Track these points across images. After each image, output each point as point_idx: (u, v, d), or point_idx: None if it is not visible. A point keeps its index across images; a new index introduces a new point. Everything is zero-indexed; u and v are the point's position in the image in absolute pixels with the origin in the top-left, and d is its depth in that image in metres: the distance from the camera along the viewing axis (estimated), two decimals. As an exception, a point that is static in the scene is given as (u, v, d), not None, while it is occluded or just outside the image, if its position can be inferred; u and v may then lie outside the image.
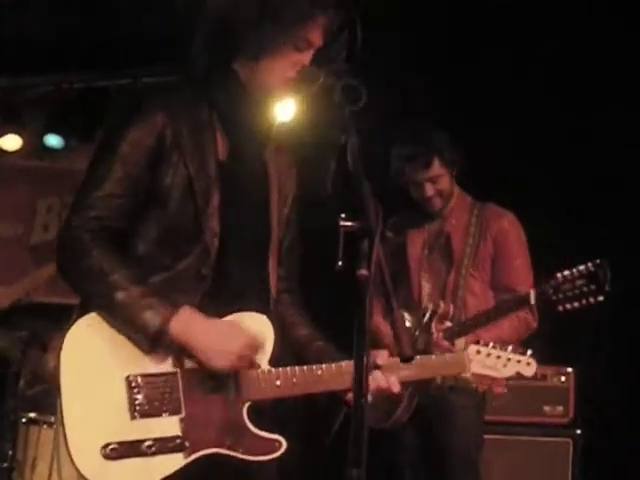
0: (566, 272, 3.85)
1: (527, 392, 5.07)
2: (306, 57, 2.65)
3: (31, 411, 5.17)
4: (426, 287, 4.39)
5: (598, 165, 5.37)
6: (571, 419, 5.18)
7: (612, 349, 5.22)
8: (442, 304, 4.25)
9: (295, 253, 2.87)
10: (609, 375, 5.35)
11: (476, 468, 4.26)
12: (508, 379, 3.03)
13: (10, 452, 4.99)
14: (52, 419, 5.13)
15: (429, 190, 4.38)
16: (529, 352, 3.06)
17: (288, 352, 2.71)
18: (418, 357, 2.76)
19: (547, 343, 4.24)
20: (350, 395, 2.44)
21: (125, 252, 2.62)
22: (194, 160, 2.63)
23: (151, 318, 2.50)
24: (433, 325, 4.20)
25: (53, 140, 6.96)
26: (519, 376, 3.02)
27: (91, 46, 6.23)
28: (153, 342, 2.53)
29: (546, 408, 5.19)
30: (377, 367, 2.63)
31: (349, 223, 2.22)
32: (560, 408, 5.20)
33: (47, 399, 5.46)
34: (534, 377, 3.05)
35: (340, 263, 2.21)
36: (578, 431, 5.12)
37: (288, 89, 2.66)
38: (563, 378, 5.23)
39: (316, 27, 2.66)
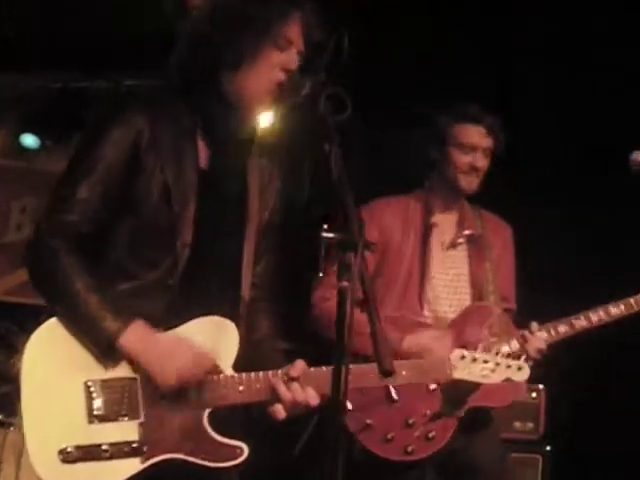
0: None
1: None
2: (289, 59, 2.62)
3: (-3, 413, 5.11)
4: (437, 284, 3.88)
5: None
6: (541, 435, 5.22)
7: (583, 367, 5.23)
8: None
9: (272, 261, 2.85)
10: (579, 392, 5.38)
11: None
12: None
13: (-25, 454, 4.93)
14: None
15: (479, 160, 3.77)
16: (523, 356, 2.92)
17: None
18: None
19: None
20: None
21: (94, 258, 2.59)
22: (172, 167, 2.61)
23: (102, 331, 2.50)
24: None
25: (29, 140, 6.90)
26: (509, 382, 2.82)
27: (71, 47, 6.19)
28: (106, 353, 2.53)
29: (516, 424, 5.21)
30: (293, 379, 2.58)
31: (331, 235, 2.20)
32: (530, 424, 5.23)
33: (13, 401, 5.39)
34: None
35: (322, 274, 2.20)
36: (548, 447, 5.16)
37: (275, 95, 2.63)
38: (534, 394, 5.25)
39: (293, 24, 2.64)
